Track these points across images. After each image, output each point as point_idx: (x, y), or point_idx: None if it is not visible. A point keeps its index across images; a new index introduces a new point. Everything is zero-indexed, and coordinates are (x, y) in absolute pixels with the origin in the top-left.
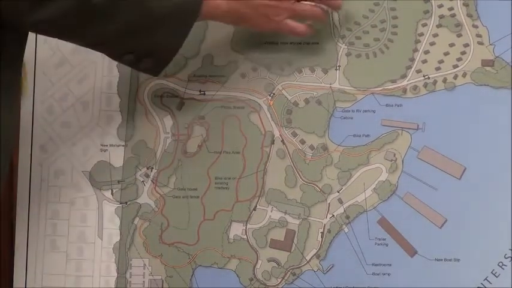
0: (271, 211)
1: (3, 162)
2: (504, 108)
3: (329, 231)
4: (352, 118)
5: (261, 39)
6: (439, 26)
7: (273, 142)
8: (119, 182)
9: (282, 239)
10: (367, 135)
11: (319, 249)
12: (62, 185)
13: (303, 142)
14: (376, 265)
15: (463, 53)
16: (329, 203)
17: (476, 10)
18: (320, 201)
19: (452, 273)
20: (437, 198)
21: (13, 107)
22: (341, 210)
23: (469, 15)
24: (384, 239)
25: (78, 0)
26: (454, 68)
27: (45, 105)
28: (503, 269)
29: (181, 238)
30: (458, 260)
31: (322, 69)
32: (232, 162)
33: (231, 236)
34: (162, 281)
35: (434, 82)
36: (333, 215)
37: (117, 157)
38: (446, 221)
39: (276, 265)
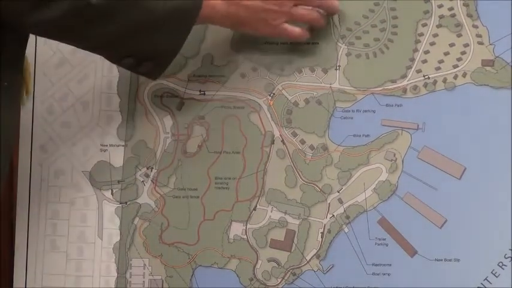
0: (271, 211)
1: (3, 162)
2: (504, 108)
3: (329, 231)
4: (352, 118)
5: (261, 39)
6: (439, 26)
7: (273, 142)
8: (119, 182)
9: (282, 239)
10: (367, 135)
11: (319, 249)
12: (62, 185)
13: (303, 142)
14: (376, 265)
15: (463, 53)
16: (329, 203)
17: (476, 10)
18: (320, 201)
19: (452, 273)
20: (437, 198)
21: (13, 107)
22: (341, 210)
23: (469, 15)
24: (384, 239)
25: (78, 1)
26: (454, 68)
27: (45, 105)
28: (503, 269)
29: (181, 238)
30: (458, 260)
31: (322, 69)
32: (232, 162)
33: (231, 236)
34: (162, 281)
35: (435, 82)
36: (333, 215)
37: (117, 157)
38: (446, 221)
39: (276, 265)
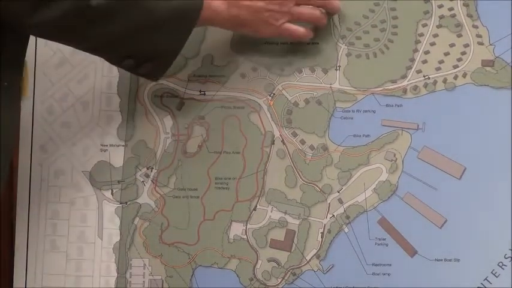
0: (271, 211)
1: (3, 163)
2: (504, 108)
3: (329, 231)
4: (352, 118)
5: (261, 40)
6: (439, 26)
7: (273, 142)
8: (119, 182)
9: (282, 239)
10: (367, 135)
11: (319, 249)
12: (62, 185)
13: (303, 142)
14: (376, 265)
15: (463, 53)
16: (329, 203)
17: (476, 10)
18: (320, 201)
19: (452, 273)
20: (437, 198)
21: (13, 107)
22: (341, 210)
23: (469, 16)
24: (384, 239)
25: (78, 2)
26: (454, 68)
27: (45, 105)
28: (503, 269)
29: (181, 238)
30: (458, 260)
31: (322, 69)
32: (232, 162)
33: (231, 236)
34: (162, 281)
35: (435, 82)
36: (333, 215)
37: (117, 157)
38: (446, 221)
39: (276, 265)
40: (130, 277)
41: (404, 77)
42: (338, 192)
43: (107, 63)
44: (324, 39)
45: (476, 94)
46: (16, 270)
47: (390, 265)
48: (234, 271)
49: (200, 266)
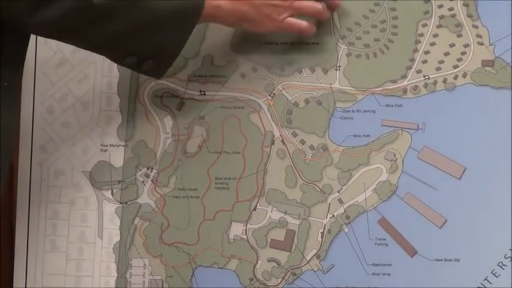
0: (271, 211)
1: (3, 163)
2: (504, 109)
3: (329, 231)
4: (352, 118)
5: (261, 40)
6: (439, 26)
7: (273, 142)
8: (119, 182)
9: (282, 239)
10: (367, 136)
11: (319, 249)
12: (62, 185)
13: (303, 142)
14: (376, 265)
15: (463, 53)
16: (329, 203)
17: (476, 10)
18: (320, 201)
19: (452, 273)
20: (437, 198)
21: (13, 108)
22: (341, 210)
23: (469, 16)
24: (384, 239)
25: (79, 1)
26: (454, 68)
27: (45, 105)
28: (503, 269)
29: (181, 238)
30: (458, 260)
31: (323, 69)
32: (232, 162)
33: (231, 236)
34: (162, 281)
35: (435, 82)
36: (333, 215)
37: (117, 157)
38: (446, 221)
39: (276, 265)
40: (130, 277)
41: (404, 77)
42: (338, 192)
43: (107, 63)
44: (324, 39)
45: (476, 94)
46: (16, 270)
47: (390, 265)
48: (234, 271)
49: (200, 266)
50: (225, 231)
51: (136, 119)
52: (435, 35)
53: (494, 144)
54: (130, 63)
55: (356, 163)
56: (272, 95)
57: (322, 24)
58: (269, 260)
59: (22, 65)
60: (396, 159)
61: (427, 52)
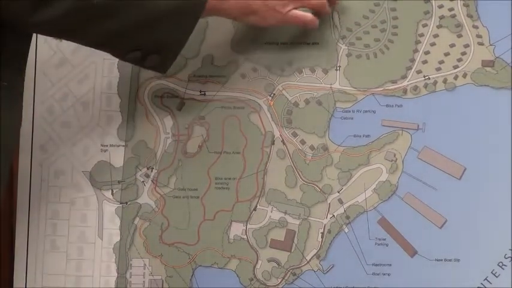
0: (272, 211)
1: (3, 163)
2: (504, 109)
3: (329, 231)
4: (352, 118)
5: (261, 40)
6: (439, 26)
7: (273, 142)
8: (119, 182)
9: (282, 239)
10: (368, 136)
11: (319, 249)
12: (62, 185)
13: (303, 142)
14: (376, 265)
15: (464, 53)
16: (329, 203)
17: (476, 11)
18: (320, 202)
19: (452, 273)
20: (437, 198)
21: (13, 108)
22: (341, 210)
23: (469, 16)
24: (384, 239)
25: (79, 0)
26: (455, 69)
27: (45, 105)
28: (503, 269)
29: (181, 238)
30: (458, 260)
31: (323, 69)
32: (232, 162)
33: (231, 236)
34: (162, 281)
35: (435, 82)
36: (333, 215)
37: (117, 157)
38: (446, 221)
39: (276, 265)
40: (130, 277)
41: (404, 77)
42: (338, 192)
43: (107, 63)
44: (324, 39)
45: (476, 94)
46: (16, 270)
47: (390, 265)
48: (234, 271)
49: (200, 266)
50: (225, 231)
51: (137, 119)
52: (435, 35)
53: (494, 144)
54: (134, 58)
55: (356, 163)
56: (272, 95)
57: (322, 24)
58: (269, 260)
59: (24, 66)
60: (396, 159)
61: (427, 52)
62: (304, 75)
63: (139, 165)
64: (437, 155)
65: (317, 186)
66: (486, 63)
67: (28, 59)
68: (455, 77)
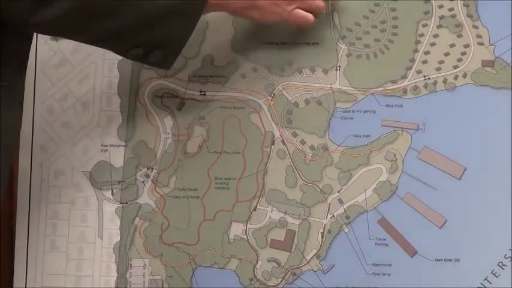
0: (272, 211)
1: (3, 163)
2: (504, 109)
3: (329, 231)
4: (352, 118)
5: (261, 40)
6: (439, 26)
7: (273, 142)
8: (119, 182)
9: (282, 239)
10: (368, 136)
11: (320, 249)
12: (62, 185)
13: (303, 142)
14: (376, 265)
15: (464, 53)
16: (329, 203)
17: (476, 11)
18: (320, 202)
19: (452, 273)
20: (437, 198)
21: (13, 108)
22: (341, 210)
23: (470, 16)
24: (384, 239)
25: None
26: (455, 69)
27: (45, 105)
28: (503, 269)
29: (181, 238)
30: (458, 260)
31: (323, 69)
32: (232, 162)
33: (231, 236)
34: (162, 281)
35: (435, 82)
36: (333, 215)
37: (117, 157)
38: (446, 221)
39: (276, 265)
40: (130, 277)
41: (404, 77)
42: (338, 192)
43: (107, 63)
44: (324, 39)
45: (476, 94)
46: (16, 270)
47: (390, 265)
48: (234, 271)
49: (200, 266)
50: (225, 231)
51: (137, 119)
52: (435, 35)
53: (494, 144)
54: (136, 55)
55: (356, 163)
56: (272, 95)
57: (322, 24)
58: (269, 260)
59: (24, 66)
60: (396, 159)
61: (427, 52)
62: (304, 75)
63: (140, 165)
64: (437, 155)
65: (317, 186)
66: (486, 63)
67: (28, 59)
68: (455, 77)
